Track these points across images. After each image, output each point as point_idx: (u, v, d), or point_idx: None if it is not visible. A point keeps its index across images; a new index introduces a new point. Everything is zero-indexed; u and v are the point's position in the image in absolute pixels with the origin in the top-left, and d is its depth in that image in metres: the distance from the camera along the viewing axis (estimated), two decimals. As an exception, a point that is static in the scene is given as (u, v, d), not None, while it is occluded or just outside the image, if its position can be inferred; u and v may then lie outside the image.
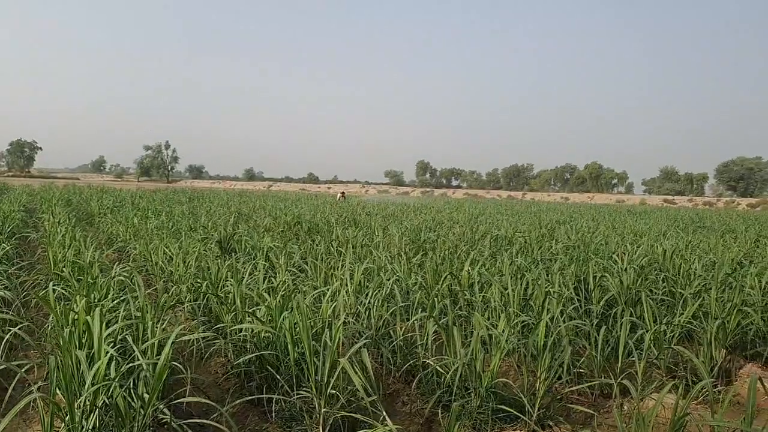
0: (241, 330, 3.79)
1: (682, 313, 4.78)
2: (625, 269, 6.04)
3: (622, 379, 3.97)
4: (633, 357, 4.02)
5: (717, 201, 77.80)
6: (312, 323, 3.48)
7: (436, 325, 4.05)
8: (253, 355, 3.40)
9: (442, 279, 5.53)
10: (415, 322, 4.21)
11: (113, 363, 2.71)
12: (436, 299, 5.10)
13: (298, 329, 3.17)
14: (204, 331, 4.21)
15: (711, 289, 5.21)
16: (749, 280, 5.78)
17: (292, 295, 3.57)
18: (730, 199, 79.25)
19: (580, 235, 10.81)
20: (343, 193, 34.00)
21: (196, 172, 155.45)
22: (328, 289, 4.40)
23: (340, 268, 5.67)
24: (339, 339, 3.10)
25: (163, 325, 3.54)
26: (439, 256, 7.68)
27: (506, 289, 5.06)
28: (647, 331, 4.19)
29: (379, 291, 4.65)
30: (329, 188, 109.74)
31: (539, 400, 3.43)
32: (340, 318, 3.50)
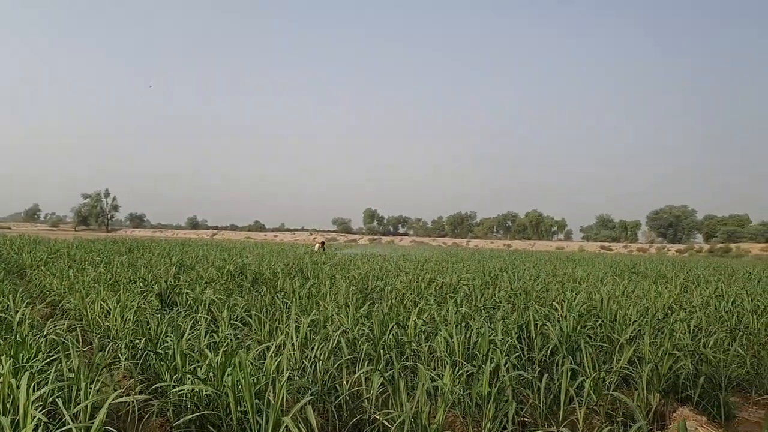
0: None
1: (619, 359, 4.96)
2: (565, 317, 6.25)
3: (563, 427, 4.06)
4: (574, 404, 4.12)
5: (649, 247, 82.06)
6: (255, 380, 3.40)
7: (382, 378, 4.03)
8: (194, 415, 3.27)
9: (389, 329, 5.54)
10: (362, 375, 4.17)
11: (40, 429, 2.55)
12: (382, 351, 5.09)
13: (240, 387, 3.09)
14: (143, 390, 4.02)
15: (645, 334, 5.46)
16: (678, 325, 6.09)
17: (235, 351, 3.48)
18: (661, 245, 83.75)
19: (522, 283, 11.10)
20: (322, 242, 28.74)
21: (137, 220, 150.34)
22: (272, 344, 4.31)
23: (285, 321, 5.58)
24: (283, 396, 3.04)
25: (98, 386, 3.36)
26: (386, 305, 7.70)
27: (451, 338, 5.11)
28: (587, 379, 4.31)
29: (325, 344, 4.60)
30: (275, 236, 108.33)
31: (485, 451, 3.44)
32: (284, 374, 3.44)
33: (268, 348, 4.39)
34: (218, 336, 4.80)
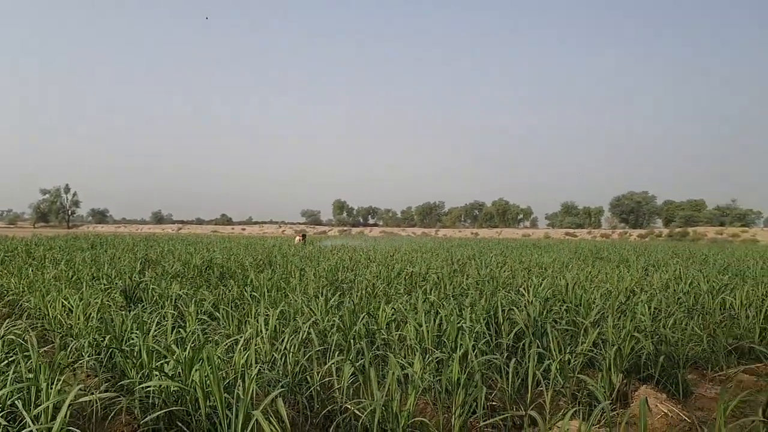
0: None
1: (584, 342, 5.09)
2: (532, 302, 6.37)
3: (531, 409, 4.16)
4: (541, 387, 4.22)
5: (612, 233, 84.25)
6: (224, 374, 3.37)
7: (353, 368, 4.04)
8: (161, 411, 3.21)
9: (359, 319, 5.55)
10: (333, 365, 4.18)
11: (-1, 433, 2.47)
12: (353, 341, 5.10)
13: (209, 382, 3.05)
14: (108, 389, 3.94)
15: (608, 317, 5.61)
16: (640, 307, 6.28)
17: (202, 346, 3.43)
18: (623, 231, 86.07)
19: (489, 270, 11.26)
20: (303, 235, 26.92)
21: (100, 216, 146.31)
22: (241, 338, 4.27)
23: (253, 315, 5.53)
24: (252, 390, 3.02)
25: (59, 386, 3.27)
26: (357, 295, 7.71)
27: (421, 326, 5.16)
28: (553, 362, 4.42)
29: (295, 336, 4.58)
30: (243, 230, 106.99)
31: (455, 436, 3.49)
32: (253, 368, 3.41)
33: (237, 342, 4.35)
34: (185, 332, 4.73)
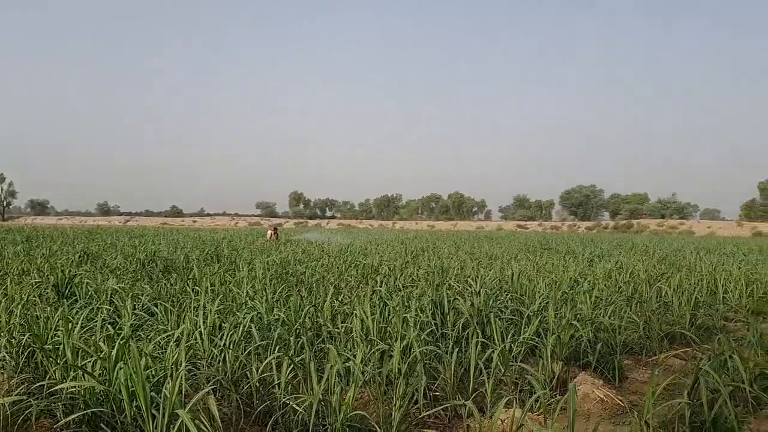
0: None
1: (527, 331, 5.17)
2: (478, 292, 6.43)
3: (474, 398, 4.19)
4: (484, 376, 4.24)
5: (562, 225, 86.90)
6: (153, 372, 3.21)
7: (292, 363, 3.96)
8: (81, 413, 3.03)
9: (304, 313, 5.46)
10: (273, 361, 4.07)
11: None
12: (297, 335, 5.01)
13: (134, 381, 2.89)
14: (27, 390, 3.70)
15: (550, 306, 5.72)
16: (581, 296, 6.44)
17: (125, 342, 3.25)
18: (572, 223, 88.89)
19: (440, 261, 11.34)
20: (275, 228, 23.20)
21: (40, 207, 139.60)
22: (175, 333, 4.10)
23: (193, 309, 5.34)
24: (181, 388, 2.88)
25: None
26: (305, 288, 7.60)
27: (366, 318, 5.12)
28: (495, 351, 4.45)
29: (235, 331, 4.45)
30: (194, 221, 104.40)
31: (395, 427, 3.46)
32: (182, 364, 3.27)
33: (173, 338, 4.18)
34: (116, 328, 4.51)
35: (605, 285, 8.13)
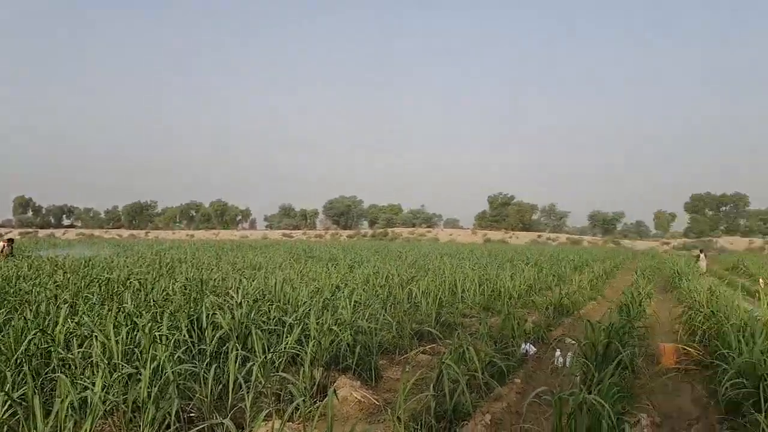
0: None
1: (288, 339, 5.15)
2: (240, 303, 6.21)
3: (233, 414, 3.98)
4: (244, 391, 4.07)
5: (325, 233, 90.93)
6: None
7: (10, 399, 3.26)
8: None
9: (27, 340, 4.56)
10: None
11: None
12: (15, 366, 4.16)
13: None
14: None
15: (311, 313, 5.81)
16: (341, 301, 6.71)
17: None
18: (335, 232, 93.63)
19: (200, 272, 10.73)
20: (10, 240, 18.39)
21: None
22: None
23: None
24: None
25: None
26: (32, 311, 6.36)
27: (109, 339, 4.51)
28: (255, 363, 4.32)
29: None
30: None
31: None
32: None
33: None
34: None
35: (363, 289, 8.64)
